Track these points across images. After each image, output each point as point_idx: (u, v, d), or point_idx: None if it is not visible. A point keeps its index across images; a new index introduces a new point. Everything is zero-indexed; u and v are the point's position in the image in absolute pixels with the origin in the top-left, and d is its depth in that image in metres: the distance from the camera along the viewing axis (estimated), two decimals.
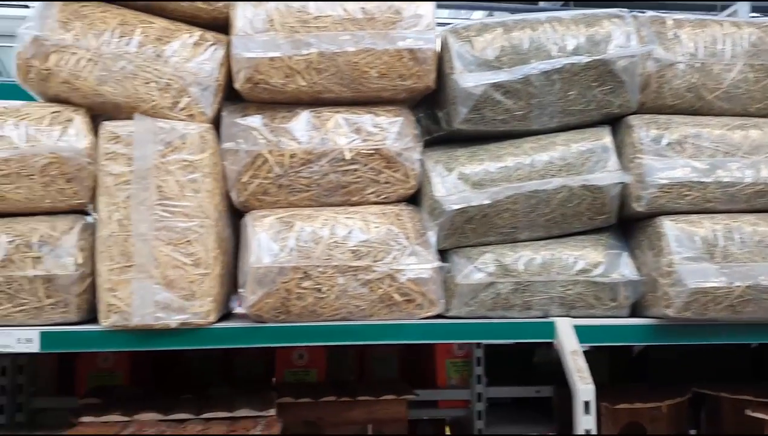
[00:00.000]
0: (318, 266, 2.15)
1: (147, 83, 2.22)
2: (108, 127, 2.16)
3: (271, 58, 2.15)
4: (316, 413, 2.88)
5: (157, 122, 2.16)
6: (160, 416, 2.41)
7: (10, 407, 3.12)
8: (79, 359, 3.26)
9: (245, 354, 3.36)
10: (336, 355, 3.42)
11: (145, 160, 2.12)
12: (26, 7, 8.47)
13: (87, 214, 2.32)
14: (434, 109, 2.42)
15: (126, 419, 2.38)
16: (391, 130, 2.26)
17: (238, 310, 2.51)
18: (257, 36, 2.15)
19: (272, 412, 2.46)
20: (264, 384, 3.21)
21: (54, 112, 2.22)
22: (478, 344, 3.26)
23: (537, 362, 3.88)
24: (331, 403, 2.90)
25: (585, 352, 3.66)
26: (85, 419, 2.37)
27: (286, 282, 2.14)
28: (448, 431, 3.79)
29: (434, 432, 3.64)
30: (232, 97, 2.34)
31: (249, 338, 2.17)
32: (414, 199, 2.35)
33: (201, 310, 2.14)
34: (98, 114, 2.31)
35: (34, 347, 2.10)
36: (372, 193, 2.28)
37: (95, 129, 2.26)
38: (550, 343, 3.93)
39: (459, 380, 3.42)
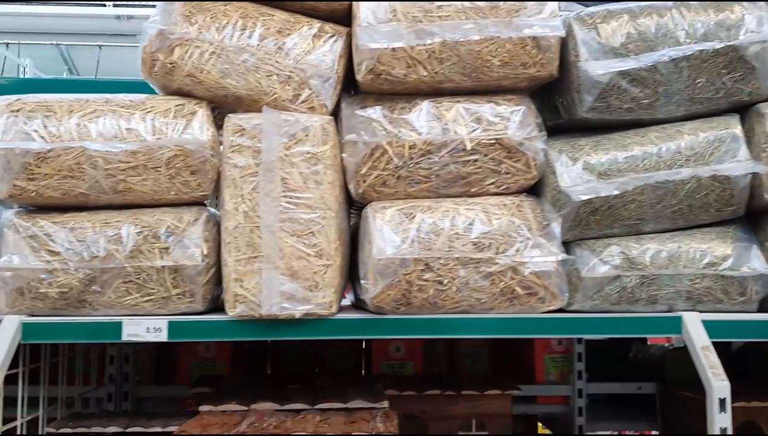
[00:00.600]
0: (439, 258, 2.14)
1: (269, 76, 2.24)
2: (234, 119, 2.18)
3: (394, 49, 2.14)
4: (419, 406, 2.87)
5: (281, 114, 2.17)
6: (276, 406, 2.44)
7: (117, 395, 3.20)
8: (181, 349, 3.33)
9: (337, 345, 3.38)
10: (428, 349, 3.41)
11: (272, 153, 2.13)
12: (101, 5, 8.71)
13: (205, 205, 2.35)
14: (553, 98, 2.37)
15: (243, 408, 2.42)
16: (513, 119, 2.22)
17: (344, 302, 2.51)
18: (380, 26, 2.14)
19: (385, 404, 2.46)
20: (363, 376, 3.22)
21: (178, 106, 2.26)
22: (579, 339, 3.20)
23: (633, 357, 3.80)
24: (435, 396, 2.88)
25: (677, 349, 3.57)
26: (204, 407, 2.41)
27: (407, 274, 2.13)
28: (540, 428, 3.74)
29: (525, 429, 3.59)
30: (346, 89, 2.34)
31: (371, 330, 2.17)
32: (532, 190, 2.31)
33: (324, 301, 2.15)
34: (217, 107, 2.34)
35: (162, 336, 2.14)
36: (492, 184, 2.25)
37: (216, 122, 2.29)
38: (644, 339, 3.86)
39: (558, 375, 3.36)
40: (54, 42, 9.63)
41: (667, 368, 3.26)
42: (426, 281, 2.14)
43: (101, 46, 9.77)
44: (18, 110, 2.18)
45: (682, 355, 2.76)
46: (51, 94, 2.24)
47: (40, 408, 2.47)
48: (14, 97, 2.21)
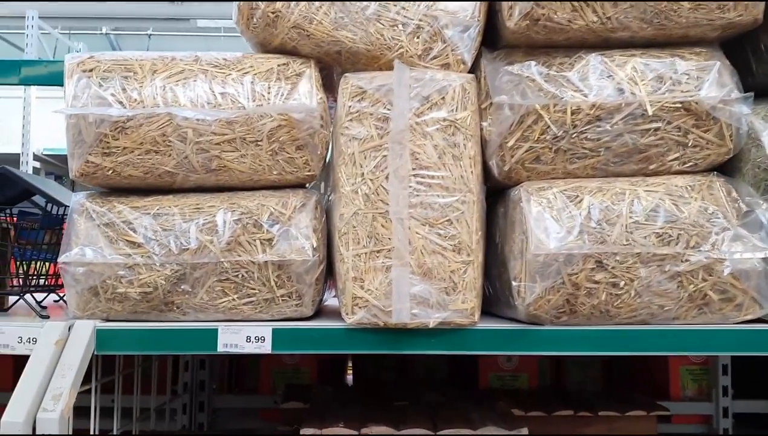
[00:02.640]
0: (615, 254, 1.67)
1: (393, 26, 1.81)
2: (352, 80, 1.76)
3: None
4: (549, 429, 2.42)
5: (412, 72, 1.73)
6: (392, 431, 2.02)
7: (192, 405, 2.83)
8: (264, 356, 2.93)
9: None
10: (542, 359, 2.96)
11: (402, 120, 1.70)
12: None
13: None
14: (740, 53, 1.88)
15: (354, 433, 2.00)
16: (704, 78, 1.74)
17: (331, 302, 2.06)
18: None
19: (524, 432, 2.02)
20: (475, 390, 2.78)
21: (281, 65, 1.84)
22: None
23: None
24: (567, 418, 2.43)
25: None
26: (307, 430, 2.00)
27: (574, 274, 1.67)
28: None
29: None
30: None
31: (524, 344, 1.72)
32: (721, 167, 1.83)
33: (464, 307, 1.71)
34: (325, 67, 1.92)
35: (266, 347, 1.73)
36: (675, 159, 1.77)
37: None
38: None
39: (696, 391, 2.88)
40: (103, 31, 9.43)
41: None
42: (597, 282, 1.68)
43: (150, 35, 9.54)
44: (91, 70, 1.79)
45: None
46: (129, 52, 1.84)
47: (114, 422, 2.09)
48: (86, 54, 1.82)
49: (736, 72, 1.80)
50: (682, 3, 1.70)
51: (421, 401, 2.39)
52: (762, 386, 2.90)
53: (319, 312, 1.97)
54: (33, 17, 6.25)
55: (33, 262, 2.01)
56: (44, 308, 1.99)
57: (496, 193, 1.93)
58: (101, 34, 9.66)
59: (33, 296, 2.07)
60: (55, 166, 6.98)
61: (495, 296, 1.92)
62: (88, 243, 1.76)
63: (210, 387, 2.88)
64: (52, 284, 2.13)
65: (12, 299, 2.08)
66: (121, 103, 1.76)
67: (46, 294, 2.16)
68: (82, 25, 9.14)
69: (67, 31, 8.69)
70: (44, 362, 1.64)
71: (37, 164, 6.40)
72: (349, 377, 3.21)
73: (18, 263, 2.06)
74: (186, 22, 9.78)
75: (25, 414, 1.55)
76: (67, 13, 8.59)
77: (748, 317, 1.73)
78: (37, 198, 2.11)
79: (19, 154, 6.22)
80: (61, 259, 1.74)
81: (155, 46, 9.46)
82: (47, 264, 2.08)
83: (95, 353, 1.73)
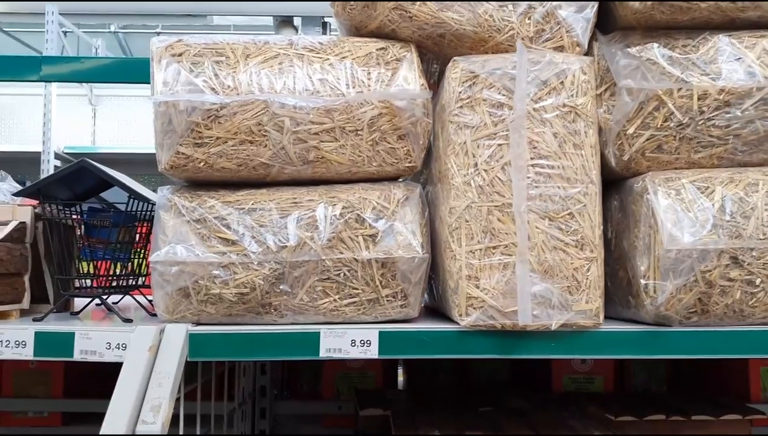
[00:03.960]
0: (752, 249, 1.55)
1: (502, 6, 1.69)
2: (462, 64, 1.63)
3: None
4: (640, 432, 2.30)
5: (528, 54, 1.61)
6: None
7: (253, 411, 2.71)
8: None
9: None
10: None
11: (522, 106, 1.57)
12: None
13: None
14: None
15: None
16: None
17: None
18: None
19: None
20: (558, 393, 2.65)
21: (380, 49, 1.72)
22: None
23: None
24: (659, 422, 2.30)
25: None
26: None
27: (708, 271, 1.55)
28: None
29: None
30: None
31: (653, 347, 1.60)
32: None
33: (588, 307, 1.59)
34: (425, 52, 1.80)
35: (372, 352, 1.61)
36: None
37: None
38: None
39: None
40: (112, 28, 9.29)
41: None
42: (732, 280, 1.56)
43: (159, 32, 9.40)
44: (181, 54, 1.66)
45: None
46: (219, 35, 1.72)
47: (197, 429, 1.96)
48: (174, 38, 1.69)
49: None
50: None
51: (506, 407, 2.27)
52: None
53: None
54: (53, 12, 6.12)
55: (113, 262, 1.88)
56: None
57: (607, 185, 1.81)
58: (110, 32, 9.54)
59: (101, 299, 1.94)
60: None
61: (608, 296, 1.80)
62: (179, 241, 1.64)
63: (272, 393, 2.75)
64: (123, 284, 2.00)
65: (83, 301, 1.95)
66: (213, 89, 1.63)
67: (121, 296, 2.04)
68: (89, 22, 9.00)
69: (71, 30, 8.56)
70: (139, 370, 1.52)
71: (58, 163, 6.27)
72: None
73: (88, 262, 1.93)
74: (194, 19, 9.65)
75: (124, 427, 1.43)
76: (77, 9, 8.45)
77: None
78: (107, 194, 1.99)
79: (39, 152, 6.09)
80: (152, 258, 1.62)
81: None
82: (119, 264, 1.95)
83: (188, 359, 1.61)
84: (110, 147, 7.77)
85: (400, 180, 1.82)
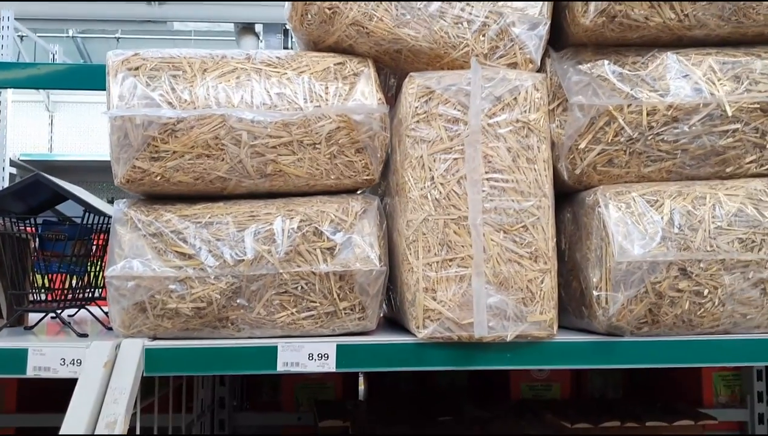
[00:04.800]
0: (699, 261, 1.60)
1: (457, 24, 1.72)
2: (419, 79, 1.65)
3: None
4: None
5: (484, 71, 1.64)
6: None
7: (211, 423, 2.69)
8: None
9: None
10: None
11: (476, 121, 1.60)
12: None
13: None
14: None
15: None
16: None
17: None
18: None
19: None
20: (515, 402, 2.69)
21: (338, 64, 1.73)
22: None
23: None
24: (614, 429, 2.36)
25: None
26: None
27: (658, 282, 1.60)
28: None
29: None
30: None
31: (606, 357, 1.64)
32: None
33: (542, 318, 1.62)
34: (382, 67, 1.82)
35: (330, 365, 1.62)
36: (752, 161, 1.71)
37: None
38: None
39: (729, 397, 2.84)
40: (69, 33, 9.15)
41: None
42: (681, 291, 1.61)
43: (119, 38, 9.29)
44: (137, 68, 1.65)
45: None
46: (176, 49, 1.72)
47: None
48: (130, 51, 1.69)
49: None
50: (762, 1, 1.63)
51: (465, 416, 2.30)
52: None
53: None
54: (8, 18, 6.01)
55: (68, 275, 1.86)
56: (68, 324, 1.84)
57: (560, 198, 1.84)
58: (67, 37, 9.39)
59: (56, 314, 1.92)
60: (32, 172, 6.73)
61: (561, 306, 1.83)
62: (135, 255, 1.63)
63: (231, 404, 2.74)
64: (79, 297, 1.98)
65: (38, 315, 1.93)
66: (170, 103, 1.63)
67: (77, 309, 2.01)
68: (47, 27, 8.85)
69: (26, 34, 8.40)
70: (94, 386, 1.50)
71: (14, 170, 6.15)
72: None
73: (43, 276, 1.91)
74: (154, 25, 9.56)
75: None
76: (33, 14, 8.31)
77: None
78: (62, 207, 1.97)
79: None
80: (107, 273, 1.61)
81: (123, 49, 9.23)
82: (75, 278, 1.93)
83: (144, 374, 1.60)
84: (68, 154, 7.65)
85: (359, 192, 1.84)
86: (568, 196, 1.82)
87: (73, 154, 7.73)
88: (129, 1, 8.39)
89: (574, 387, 2.92)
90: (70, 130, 8.38)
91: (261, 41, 7.23)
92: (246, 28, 7.13)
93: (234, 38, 7.51)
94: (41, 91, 8.01)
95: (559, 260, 1.80)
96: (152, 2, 8.87)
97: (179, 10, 8.59)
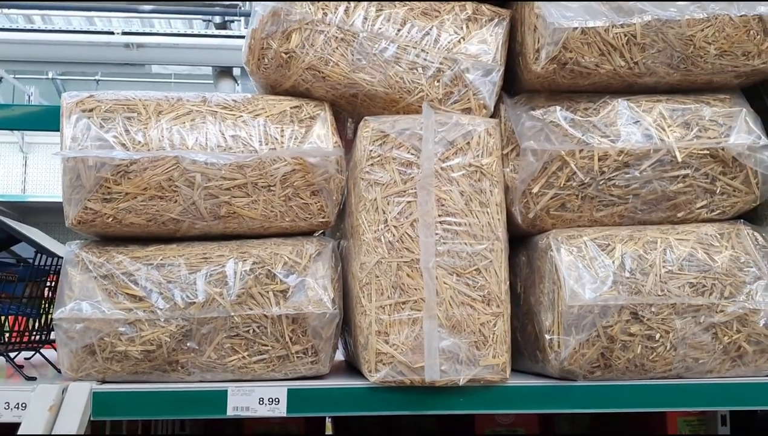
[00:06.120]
0: (650, 305, 1.61)
1: (413, 69, 1.74)
2: (373, 123, 1.67)
3: (584, 32, 1.65)
4: None
5: (437, 116, 1.66)
6: None
7: None
8: None
9: None
10: None
11: (429, 165, 1.62)
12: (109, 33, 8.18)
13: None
14: (759, 99, 1.88)
15: None
16: (731, 124, 1.72)
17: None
18: (570, 2, 1.65)
19: None
20: None
21: (294, 108, 1.75)
22: None
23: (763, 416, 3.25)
24: None
25: None
26: None
27: (609, 326, 1.60)
28: None
29: None
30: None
31: (560, 402, 1.63)
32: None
33: (495, 362, 1.61)
34: (339, 110, 1.84)
35: (281, 410, 1.59)
36: (702, 206, 1.74)
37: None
38: None
39: None
40: (50, 75, 9.17)
41: None
42: (633, 335, 1.61)
43: (98, 80, 9.31)
44: (91, 110, 1.66)
45: None
46: (132, 91, 1.72)
47: None
48: (86, 93, 1.69)
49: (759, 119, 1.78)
50: (708, 49, 1.67)
51: None
52: (761, 433, 2.86)
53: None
54: None
55: (20, 317, 1.83)
56: (20, 366, 1.80)
57: (515, 241, 1.85)
58: (47, 78, 9.41)
59: (7, 356, 1.88)
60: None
61: (517, 350, 1.83)
62: (84, 297, 1.61)
63: None
64: (34, 340, 1.94)
65: None
66: (124, 145, 1.63)
67: (33, 353, 1.97)
68: (27, 69, 8.87)
69: (2, 76, 8.41)
70: (37, 431, 1.47)
71: None
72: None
73: None
74: (134, 68, 9.62)
75: None
76: (11, 56, 8.33)
77: None
78: (21, 248, 1.94)
79: None
80: (56, 315, 1.58)
81: (104, 89, 9.26)
82: (29, 320, 1.90)
83: (91, 418, 1.56)
84: (41, 196, 7.60)
85: (317, 234, 1.84)
86: (523, 240, 1.83)
87: (47, 195, 7.68)
88: (106, 46, 8.45)
89: (542, 431, 2.89)
90: (44, 171, 8.34)
91: (238, 84, 7.28)
92: (223, 72, 7.19)
93: (212, 81, 7.57)
94: (15, 132, 7.98)
95: (516, 304, 1.81)
96: (130, 46, 8.94)
97: (157, 54, 8.65)
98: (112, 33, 8.73)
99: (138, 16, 8.51)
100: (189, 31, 7.69)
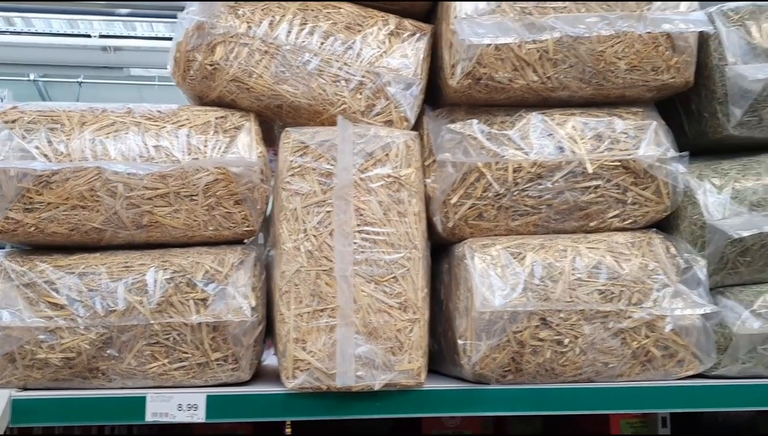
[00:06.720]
0: (559, 311, 1.67)
1: (335, 82, 1.78)
2: (294, 134, 1.71)
3: (498, 48, 1.70)
4: None
5: (355, 128, 1.71)
6: None
7: None
8: None
9: None
10: None
11: (346, 176, 1.66)
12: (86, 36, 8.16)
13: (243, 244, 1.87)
14: (676, 113, 1.95)
15: None
16: (641, 137, 1.78)
17: (271, 360, 2.00)
18: (483, 19, 1.70)
19: None
20: None
21: (219, 118, 1.78)
22: None
23: (708, 420, 3.33)
24: None
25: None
26: None
27: (519, 332, 1.65)
28: None
29: None
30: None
31: (472, 405, 1.68)
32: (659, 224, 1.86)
33: (410, 367, 1.66)
34: (265, 121, 1.88)
35: (200, 416, 1.62)
36: (615, 216, 1.80)
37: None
38: None
39: None
40: (31, 77, 9.09)
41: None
42: (542, 340, 1.66)
43: (81, 82, 9.24)
44: (14, 121, 1.68)
45: None
46: (57, 103, 1.75)
47: None
48: (9, 104, 1.71)
49: (671, 131, 1.85)
50: (619, 64, 1.74)
51: None
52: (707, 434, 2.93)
53: (259, 373, 1.88)
54: None
55: None
56: None
57: (441, 250, 1.90)
58: (28, 80, 9.31)
59: None
60: None
61: (441, 354, 1.88)
62: (6, 305, 1.63)
63: None
64: None
65: None
66: (46, 156, 1.66)
67: None
68: (7, 71, 8.79)
69: None
70: None
71: None
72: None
73: None
74: (119, 71, 9.56)
75: None
76: None
77: (690, 373, 1.74)
78: None
79: None
80: None
81: (86, 93, 9.19)
82: None
83: (10, 425, 1.58)
84: None
85: (247, 241, 1.87)
86: (445, 249, 1.88)
87: None
88: (84, 49, 8.40)
89: (496, 432, 2.94)
90: None
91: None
92: None
93: None
94: None
95: (440, 311, 1.86)
96: (108, 49, 8.88)
97: (135, 57, 8.60)
98: (89, 36, 8.68)
99: (119, 19, 8.47)
100: (170, 35, 7.68)
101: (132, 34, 7.74)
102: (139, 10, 7.68)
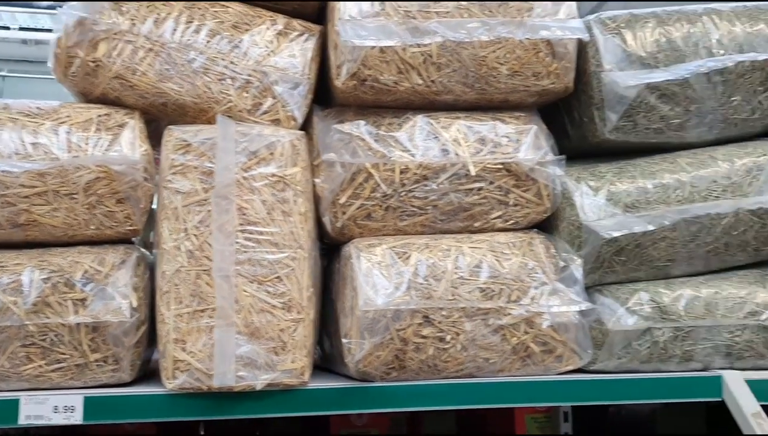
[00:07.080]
0: (441, 309, 1.70)
1: (221, 80, 1.78)
2: (176, 132, 1.70)
3: (382, 50, 1.73)
4: None
5: (239, 126, 1.70)
6: None
7: None
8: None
9: None
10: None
11: (226, 175, 1.66)
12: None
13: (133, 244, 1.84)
14: (556, 118, 2.01)
15: None
16: (522, 140, 1.84)
17: None
18: (366, 21, 1.72)
19: None
20: None
21: (102, 116, 1.76)
22: None
23: (614, 413, 3.45)
24: None
25: (668, 405, 3.22)
26: None
27: (402, 329, 1.68)
28: None
29: None
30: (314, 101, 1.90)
31: (355, 403, 1.70)
32: (540, 225, 1.92)
33: (293, 366, 1.66)
34: (153, 119, 1.86)
35: (77, 417, 1.59)
36: (498, 217, 1.84)
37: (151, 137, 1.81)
38: None
39: None
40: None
41: (658, 428, 2.91)
42: (425, 337, 1.70)
43: (4, 76, 8.91)
44: None
45: (673, 411, 2.49)
46: None
47: None
48: None
49: (552, 136, 1.90)
50: (500, 69, 1.79)
51: None
52: (603, 431, 3.03)
53: (148, 374, 1.86)
54: None
55: None
56: None
57: (334, 250, 1.92)
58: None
59: None
60: None
61: (332, 353, 1.89)
62: None
63: None
64: None
65: None
66: None
67: None
68: None
69: None
70: None
71: None
72: None
73: None
74: (43, 65, 9.23)
75: None
76: None
77: (569, 368, 1.80)
78: None
79: None
80: None
81: (10, 88, 8.86)
82: None
83: None
84: None
85: (135, 240, 1.85)
86: (336, 248, 1.89)
87: None
88: (3, 42, 8.10)
89: (410, 431, 2.96)
90: None
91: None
92: None
93: None
94: None
95: (331, 310, 1.87)
96: (28, 42, 8.59)
97: None
98: (8, 28, 8.38)
99: (44, 12, 8.19)
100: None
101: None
102: (61, 2, 7.46)
